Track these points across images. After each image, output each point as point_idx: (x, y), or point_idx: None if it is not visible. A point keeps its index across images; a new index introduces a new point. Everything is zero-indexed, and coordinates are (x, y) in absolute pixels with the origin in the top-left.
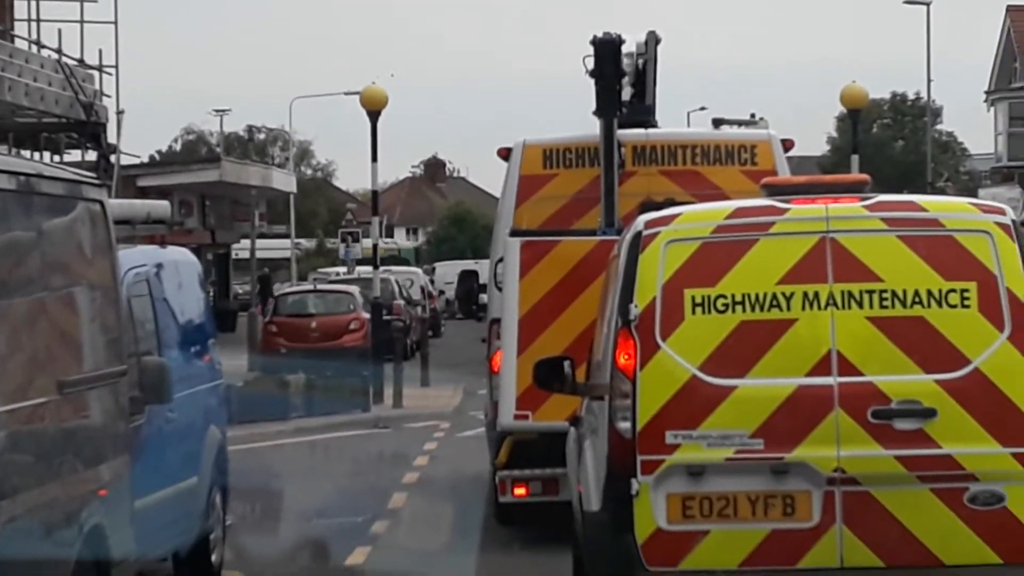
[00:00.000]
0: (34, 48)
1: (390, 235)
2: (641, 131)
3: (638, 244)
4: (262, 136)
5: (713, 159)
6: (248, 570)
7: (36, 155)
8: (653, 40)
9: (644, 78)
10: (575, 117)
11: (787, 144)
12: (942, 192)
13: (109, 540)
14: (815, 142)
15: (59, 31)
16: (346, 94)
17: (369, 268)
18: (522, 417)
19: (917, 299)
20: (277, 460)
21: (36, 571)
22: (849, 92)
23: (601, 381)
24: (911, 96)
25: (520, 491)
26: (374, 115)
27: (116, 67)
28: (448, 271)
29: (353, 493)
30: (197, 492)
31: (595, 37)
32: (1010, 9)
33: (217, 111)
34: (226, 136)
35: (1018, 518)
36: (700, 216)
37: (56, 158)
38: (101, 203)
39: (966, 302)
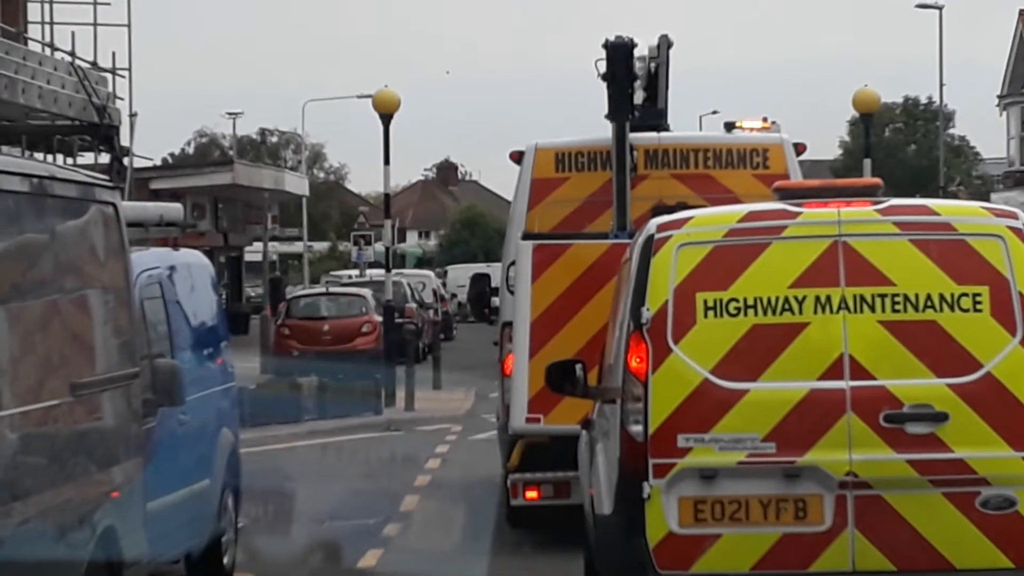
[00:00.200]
0: (47, 51)
1: (403, 239)
2: (653, 134)
3: (650, 247)
4: (275, 139)
5: (725, 163)
6: (260, 572)
7: (49, 157)
8: (665, 44)
9: (656, 82)
10: (587, 121)
11: (799, 148)
12: (954, 196)
13: (121, 542)
14: (827, 146)
15: (72, 34)
16: (359, 97)
17: (381, 271)
18: (534, 420)
19: (929, 303)
20: (289, 462)
21: (49, 572)
22: (861, 96)
23: (613, 384)
24: (923, 100)
25: (532, 494)
26: (386, 118)
27: (129, 70)
28: (460, 274)
29: (365, 495)
30: (209, 494)
31: (607, 41)
32: (1023, 13)
33: (230, 114)
34: (239, 139)
35: None
36: (712, 220)
37: (69, 160)
38: (114, 205)
39: (978, 306)
